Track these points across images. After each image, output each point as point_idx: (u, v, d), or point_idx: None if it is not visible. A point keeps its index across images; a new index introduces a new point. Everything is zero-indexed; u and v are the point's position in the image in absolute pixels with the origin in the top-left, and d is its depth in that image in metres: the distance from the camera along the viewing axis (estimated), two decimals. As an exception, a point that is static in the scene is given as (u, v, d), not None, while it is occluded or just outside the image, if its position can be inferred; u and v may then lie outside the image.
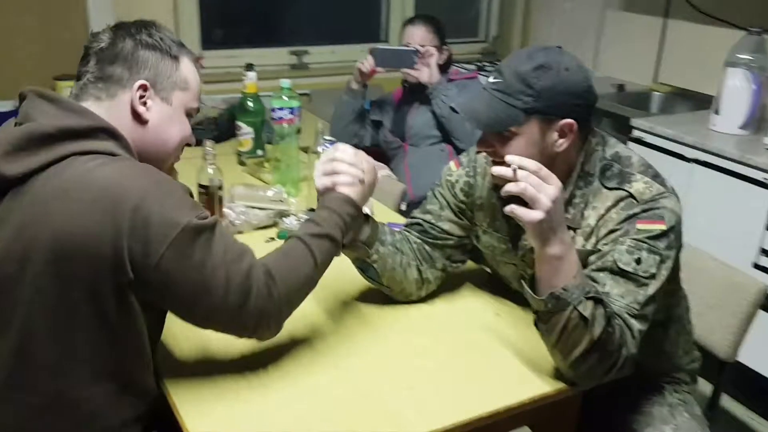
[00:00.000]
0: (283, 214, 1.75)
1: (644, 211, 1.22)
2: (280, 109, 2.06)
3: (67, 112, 1.05)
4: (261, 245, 1.64)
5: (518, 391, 1.18)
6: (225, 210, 1.68)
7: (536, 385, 1.20)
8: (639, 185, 1.24)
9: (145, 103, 1.12)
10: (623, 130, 2.77)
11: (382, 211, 1.92)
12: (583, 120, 1.25)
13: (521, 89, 1.19)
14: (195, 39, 3.23)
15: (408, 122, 2.52)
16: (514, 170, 1.09)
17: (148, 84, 1.11)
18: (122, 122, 1.10)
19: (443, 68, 2.54)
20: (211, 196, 1.63)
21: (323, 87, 3.32)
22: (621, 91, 3.23)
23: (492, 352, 1.30)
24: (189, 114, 1.19)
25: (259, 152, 2.19)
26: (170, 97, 1.15)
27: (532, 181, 1.08)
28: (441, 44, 2.51)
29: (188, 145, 1.22)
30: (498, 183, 1.20)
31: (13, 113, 2.47)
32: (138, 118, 1.12)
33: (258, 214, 1.72)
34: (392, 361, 1.26)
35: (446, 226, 1.46)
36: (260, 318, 1.09)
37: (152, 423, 1.14)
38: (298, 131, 2.28)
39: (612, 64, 3.51)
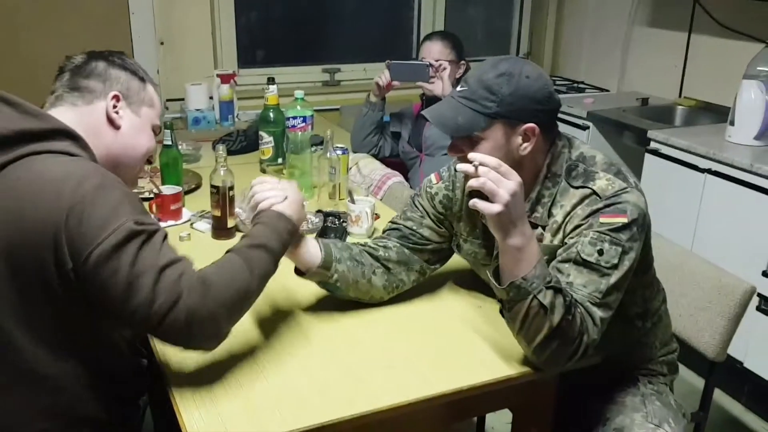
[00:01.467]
0: (291, 215, 1.86)
1: (607, 206, 1.28)
2: (294, 117, 2.20)
3: (25, 116, 1.12)
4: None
5: (490, 371, 1.26)
6: (236, 209, 1.81)
7: (506, 367, 1.28)
8: (602, 182, 1.31)
9: (117, 112, 1.24)
10: (641, 142, 2.81)
11: (391, 215, 2.01)
12: (546, 124, 1.32)
13: (485, 95, 1.27)
14: (233, 58, 3.43)
15: (424, 134, 2.63)
16: (476, 167, 1.17)
17: (120, 95, 1.25)
18: (97, 125, 1.22)
19: (458, 81, 2.64)
20: (222, 196, 1.76)
21: (354, 103, 3.46)
22: (644, 105, 3.26)
23: (469, 338, 1.38)
24: (153, 130, 1.33)
25: (279, 160, 2.33)
26: (139, 111, 1.29)
27: (491, 176, 1.16)
28: (458, 59, 2.62)
29: (149, 162, 1.35)
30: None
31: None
32: (112, 124, 1.24)
33: (267, 214, 1.84)
34: (374, 343, 1.36)
35: (426, 232, 1.53)
36: (192, 324, 1.06)
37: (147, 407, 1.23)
38: (320, 143, 2.41)
39: (638, 79, 3.55)
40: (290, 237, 1.29)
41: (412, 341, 1.37)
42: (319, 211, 1.92)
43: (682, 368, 1.69)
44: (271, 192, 1.31)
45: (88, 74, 1.24)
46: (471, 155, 1.19)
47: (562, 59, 4.03)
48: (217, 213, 1.78)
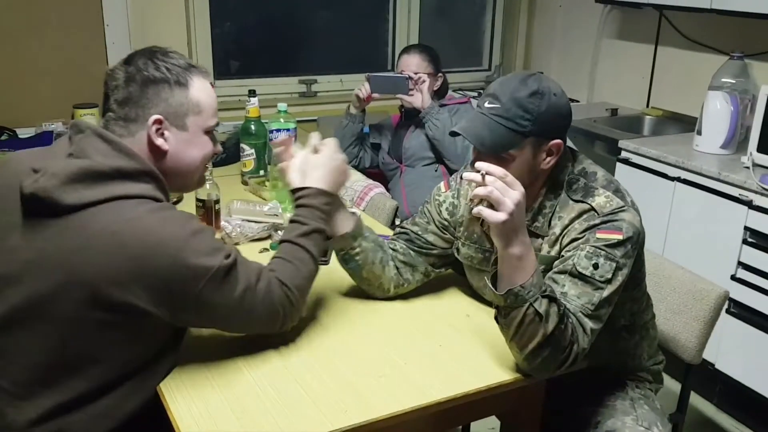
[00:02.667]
0: (276, 227, 1.88)
1: (604, 222, 1.34)
2: (278, 130, 2.22)
3: (119, 153, 1.19)
4: (255, 255, 1.78)
5: (481, 379, 1.30)
6: (222, 223, 1.83)
7: (497, 374, 1.32)
8: (600, 199, 1.37)
9: (162, 134, 1.23)
10: (612, 152, 2.89)
11: (374, 226, 2.04)
12: (565, 139, 1.38)
13: (520, 114, 1.31)
14: (208, 68, 3.42)
15: (404, 144, 2.67)
16: (483, 175, 1.21)
17: (162, 117, 1.22)
18: (148, 156, 1.23)
19: (439, 93, 2.69)
20: (208, 210, 1.77)
21: (331, 114, 3.48)
22: (614, 116, 3.35)
23: (459, 347, 1.41)
24: (208, 131, 1.30)
25: (261, 172, 2.34)
26: (185, 123, 1.25)
27: (497, 185, 1.20)
28: (435, 72, 2.67)
29: (215, 155, 1.37)
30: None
31: (37, 139, 2.66)
32: (158, 150, 1.24)
33: (253, 227, 1.86)
34: (366, 353, 1.39)
35: (431, 238, 1.60)
36: (285, 317, 1.29)
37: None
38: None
39: (607, 90, 3.64)
40: (330, 207, 1.40)
41: (404, 350, 1.40)
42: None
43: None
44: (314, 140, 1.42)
45: (126, 101, 1.22)
46: (478, 164, 1.22)
47: (533, 70, 4.11)
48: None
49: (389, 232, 1.88)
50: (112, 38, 3.08)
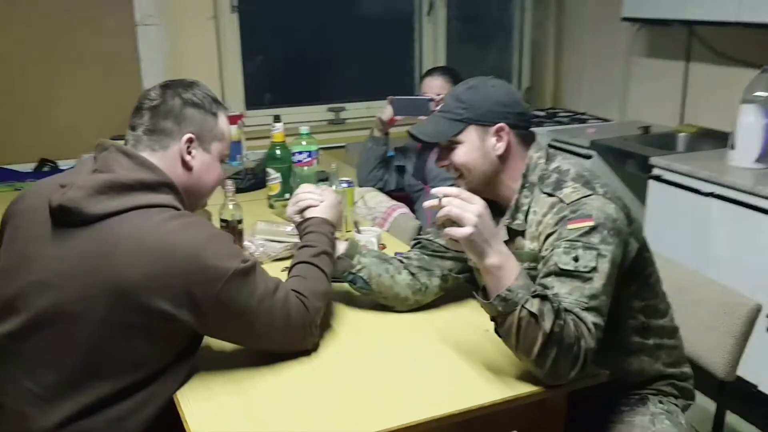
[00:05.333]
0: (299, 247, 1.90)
1: (572, 212, 1.35)
2: (300, 153, 2.25)
3: (141, 167, 1.27)
4: (277, 274, 1.78)
5: (498, 391, 1.28)
6: (245, 243, 1.85)
7: (514, 387, 1.29)
8: (568, 190, 1.39)
9: (190, 152, 1.34)
10: (644, 169, 2.84)
11: (397, 246, 2.04)
12: (517, 126, 1.45)
13: (456, 105, 1.46)
14: (240, 100, 3.51)
15: (428, 165, 2.67)
16: (440, 199, 1.24)
17: (194, 137, 1.33)
18: (173, 168, 1.32)
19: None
20: (231, 230, 1.80)
21: (358, 140, 3.51)
22: (646, 133, 3.30)
23: (476, 360, 1.39)
24: (222, 160, 1.42)
25: (287, 195, 2.37)
26: (210, 147, 1.38)
27: (455, 203, 1.22)
28: (458, 93, 2.67)
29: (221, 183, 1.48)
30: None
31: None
32: (185, 165, 1.34)
33: (276, 246, 1.88)
34: (381, 364, 1.38)
35: (443, 241, 1.59)
36: (304, 329, 1.34)
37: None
38: (326, 179, 2.46)
39: (639, 108, 3.59)
40: (334, 236, 1.52)
41: (419, 363, 1.39)
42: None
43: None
44: (311, 195, 1.54)
45: (165, 115, 1.32)
46: (433, 190, 1.27)
47: (564, 92, 4.10)
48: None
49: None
50: (147, 73, 3.18)
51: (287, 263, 1.85)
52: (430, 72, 2.74)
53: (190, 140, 1.33)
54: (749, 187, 2.37)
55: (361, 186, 2.68)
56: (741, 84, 2.68)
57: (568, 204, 1.37)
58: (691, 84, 3.30)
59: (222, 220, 1.82)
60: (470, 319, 1.58)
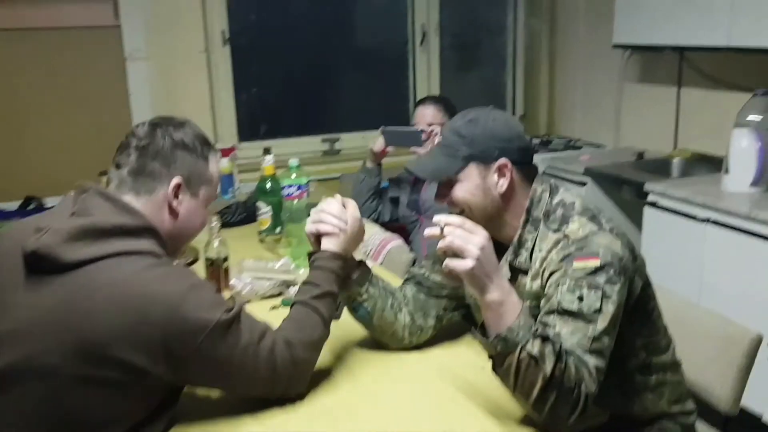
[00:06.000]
0: (288, 284, 1.86)
1: (578, 249, 1.30)
2: (289, 186, 2.22)
3: (121, 211, 1.21)
4: (265, 313, 1.74)
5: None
6: (232, 281, 1.81)
7: (512, 430, 1.24)
8: (574, 226, 1.34)
9: (177, 197, 1.27)
10: (640, 195, 2.81)
11: (392, 280, 1.99)
12: (519, 162, 1.39)
13: (456, 140, 1.39)
14: (232, 133, 3.49)
15: (422, 196, 2.64)
16: (441, 229, 1.20)
17: (182, 182, 1.27)
18: (157, 214, 1.26)
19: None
20: (216, 269, 1.76)
21: (353, 170, 3.48)
22: (640, 159, 3.28)
23: (472, 401, 1.34)
24: (208, 203, 1.36)
25: (278, 229, 2.34)
26: (198, 192, 1.31)
27: (457, 233, 1.18)
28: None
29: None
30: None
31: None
32: (171, 211, 1.28)
33: (263, 284, 1.84)
34: (373, 407, 1.33)
35: (438, 278, 1.55)
36: (289, 381, 1.27)
37: None
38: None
39: (633, 134, 3.58)
40: (343, 272, 1.41)
41: (413, 405, 1.34)
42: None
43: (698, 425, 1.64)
44: (334, 221, 1.41)
45: (154, 156, 1.26)
46: (435, 218, 1.22)
47: (558, 119, 4.09)
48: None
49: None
50: (137, 108, 3.16)
51: (275, 301, 1.83)
52: (422, 101, 2.73)
53: (178, 186, 1.27)
54: (745, 212, 2.34)
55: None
56: (733, 108, 2.67)
57: (574, 241, 1.31)
58: (683, 109, 3.29)
59: (207, 259, 1.78)
60: (465, 356, 1.54)
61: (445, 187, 1.40)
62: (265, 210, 2.33)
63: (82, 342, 1.11)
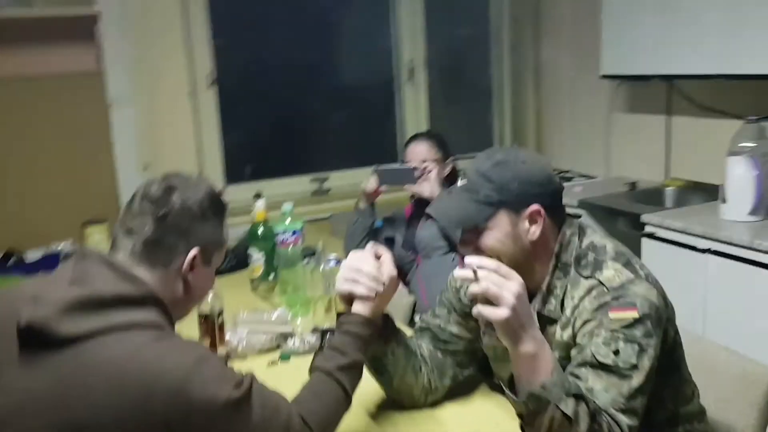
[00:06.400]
0: (286, 336, 1.79)
1: (615, 299, 1.23)
2: (284, 232, 2.16)
3: (121, 279, 1.13)
4: (263, 370, 1.67)
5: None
6: (227, 337, 1.73)
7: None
8: (609, 272, 1.26)
9: (192, 268, 1.20)
10: (636, 227, 2.78)
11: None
12: (551, 207, 1.31)
13: (484, 185, 1.29)
14: (219, 175, 3.43)
15: (417, 235, 2.58)
16: (474, 271, 1.12)
17: (199, 254, 1.19)
18: (170, 286, 1.18)
19: (450, 180, 2.62)
20: (210, 324, 1.68)
21: (344, 210, 3.43)
22: (633, 189, 3.25)
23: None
24: (217, 266, 1.28)
25: (271, 276, 2.27)
26: (212, 260, 1.24)
27: (492, 279, 1.11)
28: (444, 158, 2.62)
29: None
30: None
31: (45, 261, 2.62)
32: (185, 283, 1.20)
33: (261, 338, 1.77)
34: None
35: (455, 329, 1.49)
36: None
37: None
38: (313, 254, 2.36)
39: (624, 163, 3.56)
40: (373, 338, 1.30)
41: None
42: (315, 328, 1.84)
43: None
44: (371, 284, 1.29)
45: (172, 228, 1.18)
46: (467, 260, 1.15)
47: (547, 150, 4.07)
48: (206, 342, 1.70)
49: (409, 333, 1.76)
50: (121, 154, 3.08)
51: (273, 355, 1.75)
52: (414, 138, 2.69)
53: (194, 258, 1.19)
54: (747, 241, 2.30)
55: (347, 260, 2.58)
56: (724, 135, 2.66)
57: (609, 289, 1.24)
58: (674, 137, 3.28)
59: (200, 315, 1.70)
60: (481, 411, 1.47)
61: (471, 234, 1.30)
62: (257, 257, 2.27)
63: (79, 427, 1.02)
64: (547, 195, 1.31)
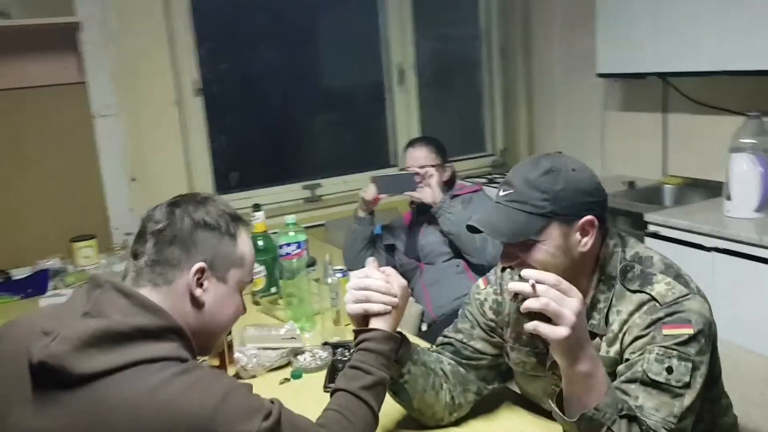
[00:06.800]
0: (296, 352, 1.72)
1: (668, 315, 1.18)
2: (288, 245, 2.08)
3: (140, 309, 1.05)
4: (275, 388, 1.60)
5: None
6: (236, 355, 1.66)
7: None
8: (660, 287, 1.21)
9: (201, 284, 1.12)
10: (638, 227, 2.74)
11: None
12: (601, 217, 1.25)
13: (535, 195, 1.20)
14: (208, 184, 3.34)
15: (419, 242, 2.53)
16: (533, 285, 1.06)
17: (205, 266, 1.11)
18: (180, 307, 1.10)
19: (449, 184, 2.58)
20: (219, 343, 1.61)
21: (338, 216, 3.37)
22: (632, 188, 3.22)
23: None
24: (242, 288, 1.19)
25: (273, 290, 2.20)
26: (226, 276, 1.14)
27: (552, 295, 1.05)
28: (443, 162, 2.57)
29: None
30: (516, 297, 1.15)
31: (33, 279, 2.51)
32: (194, 302, 1.11)
33: (270, 355, 1.69)
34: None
35: (479, 345, 1.42)
36: None
37: None
38: (313, 263, 2.29)
39: (620, 162, 3.53)
40: (395, 353, 1.25)
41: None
42: (325, 343, 1.77)
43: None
44: (384, 298, 1.22)
45: (171, 241, 1.10)
46: (525, 273, 1.08)
47: (540, 151, 4.03)
48: (216, 362, 1.62)
49: (422, 344, 1.70)
50: (107, 167, 2.99)
51: (285, 373, 1.68)
52: (412, 143, 2.63)
53: (200, 270, 1.10)
54: (756, 239, 2.27)
55: (349, 270, 2.52)
56: (722, 132, 2.63)
57: (663, 305, 1.19)
58: (670, 135, 3.25)
59: (209, 333, 1.62)
60: (507, 427, 1.40)
61: (518, 247, 1.22)
62: (258, 269, 2.19)
63: None
64: (597, 204, 1.24)
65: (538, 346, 1.34)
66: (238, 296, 1.18)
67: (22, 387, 1.00)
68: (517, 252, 1.22)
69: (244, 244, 1.17)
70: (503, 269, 1.40)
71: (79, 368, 0.97)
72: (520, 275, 1.11)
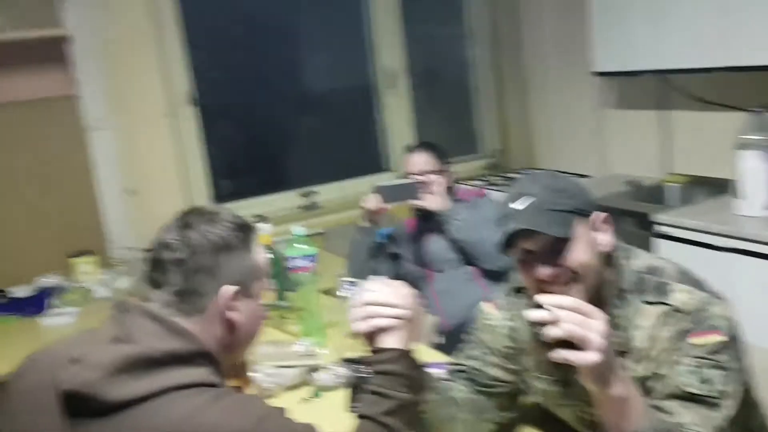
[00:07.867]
0: (315, 369, 1.66)
1: (695, 323, 1.13)
2: (295, 258, 2.02)
3: (172, 335, 1.02)
4: (295, 407, 1.54)
5: None
6: (253, 374, 1.59)
7: None
8: (681, 296, 1.17)
9: (231, 307, 1.09)
10: (644, 227, 2.70)
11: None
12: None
13: (554, 195, 1.18)
14: (204, 195, 3.27)
15: (426, 249, 2.48)
16: (550, 311, 1.00)
17: (238, 289, 1.08)
18: (212, 332, 1.07)
19: (449, 190, 2.53)
20: (234, 364, 1.54)
21: (337, 224, 3.32)
22: (635, 187, 3.18)
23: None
24: (263, 296, 1.16)
25: (281, 303, 2.13)
26: (252, 290, 1.12)
27: (575, 319, 0.99)
28: (444, 168, 2.52)
29: None
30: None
31: (34, 299, 2.44)
32: (228, 324, 1.09)
33: (287, 373, 1.63)
34: None
35: (494, 372, 1.36)
36: None
37: None
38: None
39: (618, 161, 3.50)
40: (413, 370, 1.14)
41: None
42: (345, 359, 1.71)
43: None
44: (390, 312, 1.13)
45: (196, 271, 1.06)
46: (541, 299, 1.02)
47: (537, 151, 4.00)
48: (232, 383, 1.55)
49: (442, 358, 1.64)
50: (103, 179, 2.91)
51: (304, 392, 1.62)
52: (414, 149, 2.58)
53: (233, 294, 1.07)
54: (770, 237, 2.24)
55: (355, 280, 2.46)
56: (725, 128, 2.61)
57: (687, 313, 1.15)
58: (671, 132, 3.22)
59: (225, 353, 1.56)
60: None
61: (552, 251, 1.17)
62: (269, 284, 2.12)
63: None
64: (599, 207, 1.24)
65: (564, 374, 1.28)
66: (261, 305, 1.16)
67: (51, 417, 0.96)
68: (553, 256, 1.16)
69: (258, 253, 1.14)
70: (517, 291, 1.34)
71: (111, 395, 0.93)
72: (536, 303, 1.04)
